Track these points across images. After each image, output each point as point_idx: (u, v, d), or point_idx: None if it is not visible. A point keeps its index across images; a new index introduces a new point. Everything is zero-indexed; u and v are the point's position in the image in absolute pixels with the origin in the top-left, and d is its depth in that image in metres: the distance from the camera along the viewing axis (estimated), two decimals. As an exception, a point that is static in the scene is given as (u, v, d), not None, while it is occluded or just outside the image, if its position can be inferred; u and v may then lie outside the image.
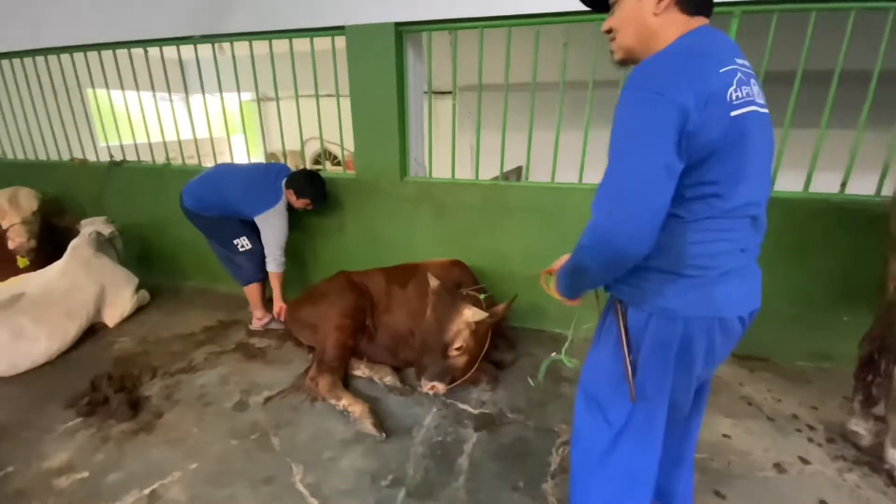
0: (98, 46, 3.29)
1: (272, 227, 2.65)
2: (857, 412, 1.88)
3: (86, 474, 1.81)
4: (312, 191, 2.69)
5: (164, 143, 3.50)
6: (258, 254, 2.79)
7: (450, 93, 3.59)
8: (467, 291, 2.41)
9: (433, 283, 2.29)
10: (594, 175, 2.73)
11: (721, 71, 0.90)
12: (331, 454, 1.91)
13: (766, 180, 1.03)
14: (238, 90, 3.05)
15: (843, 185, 2.31)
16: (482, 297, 2.39)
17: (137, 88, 3.29)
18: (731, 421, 2.09)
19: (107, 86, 3.48)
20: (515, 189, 2.79)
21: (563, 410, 2.18)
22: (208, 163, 3.30)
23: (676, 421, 1.23)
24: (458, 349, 2.16)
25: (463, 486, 1.76)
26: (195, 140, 3.52)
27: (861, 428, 1.87)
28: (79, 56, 3.36)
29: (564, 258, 1.22)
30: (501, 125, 2.75)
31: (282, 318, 2.80)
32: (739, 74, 0.92)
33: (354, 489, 1.74)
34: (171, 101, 3.38)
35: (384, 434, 1.98)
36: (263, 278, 2.87)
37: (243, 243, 2.77)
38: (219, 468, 1.84)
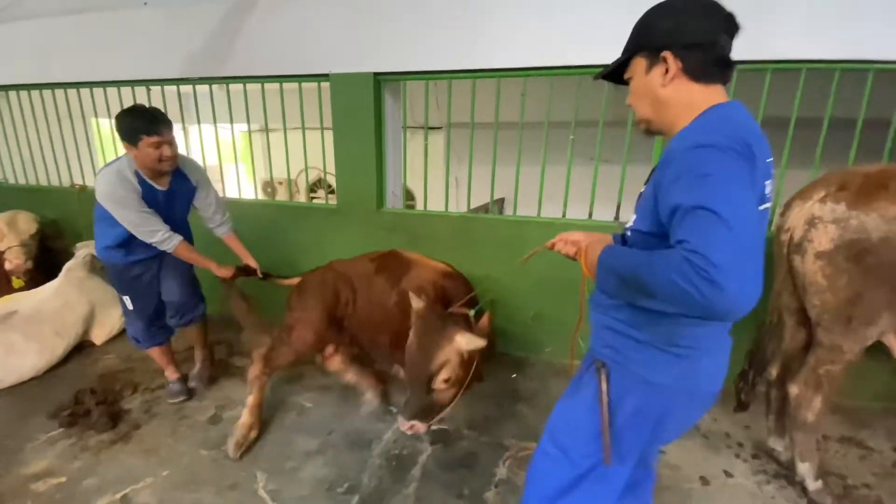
0: (104, 84, 3.59)
1: (115, 212, 2.07)
2: (773, 430, 2.07)
3: (63, 479, 1.95)
4: (138, 120, 2.03)
5: None
6: (146, 315, 2.43)
7: (441, 128, 3.92)
8: (456, 309, 2.05)
9: (416, 304, 1.92)
10: (553, 209, 3.01)
11: (767, 161, 0.91)
12: (293, 464, 2.06)
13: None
14: (231, 122, 3.33)
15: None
16: (472, 312, 2.02)
17: None
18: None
19: (109, 115, 3.75)
20: (481, 221, 3.04)
21: (515, 427, 2.34)
22: None
23: (639, 466, 1.24)
24: (445, 381, 1.79)
25: (413, 493, 1.91)
26: None
27: (778, 445, 2.06)
28: (84, 89, 3.65)
29: (583, 237, 1.17)
30: (488, 159, 2.99)
31: (228, 276, 2.45)
32: (772, 169, 0.93)
33: (312, 495, 1.88)
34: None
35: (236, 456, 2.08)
36: (162, 341, 2.56)
37: (125, 301, 2.39)
38: (188, 475, 1.98)
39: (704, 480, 1.99)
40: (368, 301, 2.39)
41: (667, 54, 0.96)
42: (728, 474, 2.03)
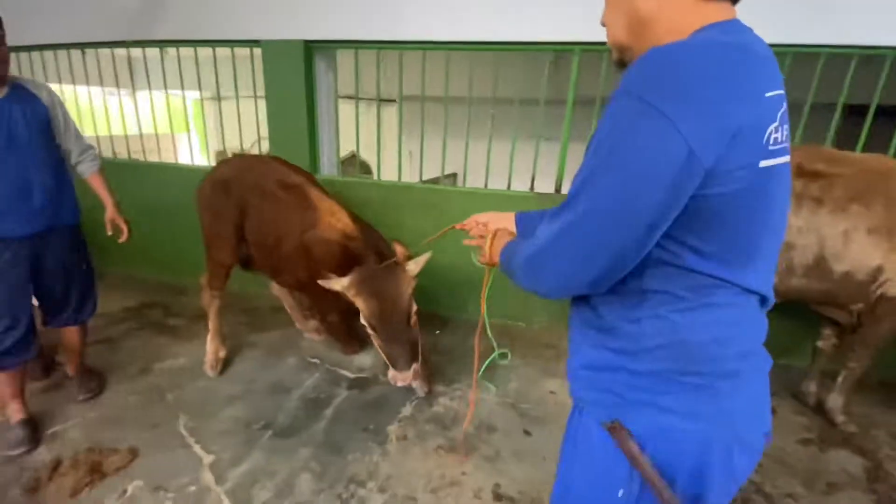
0: (41, 48, 3.52)
1: None
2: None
3: (-5, 420, 2.06)
4: None
5: (111, 138, 3.74)
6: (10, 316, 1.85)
7: (394, 101, 4.02)
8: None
9: (400, 250, 2.04)
10: (474, 179, 3.20)
11: (768, 95, 0.63)
12: (214, 407, 2.23)
13: (776, 255, 0.76)
14: (182, 89, 3.33)
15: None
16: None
17: (84, 83, 3.50)
18: (562, 381, 2.54)
19: (59, 80, 3.66)
20: (409, 189, 3.20)
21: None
22: (153, 158, 3.58)
23: None
24: (415, 313, 1.99)
25: (323, 428, 2.12)
26: (138, 136, 3.77)
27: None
28: (25, 54, 3.57)
29: (493, 218, 1.12)
30: (442, 133, 3.10)
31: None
32: (785, 105, 0.66)
33: (229, 431, 2.07)
34: (119, 96, 3.63)
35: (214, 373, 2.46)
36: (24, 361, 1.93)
37: None
38: (114, 416, 2.14)
39: (583, 414, 2.28)
40: (268, 230, 2.26)
41: None
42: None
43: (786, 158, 0.67)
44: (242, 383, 2.44)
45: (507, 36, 2.71)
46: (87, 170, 2.10)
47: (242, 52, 3.17)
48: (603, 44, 2.66)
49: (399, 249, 2.08)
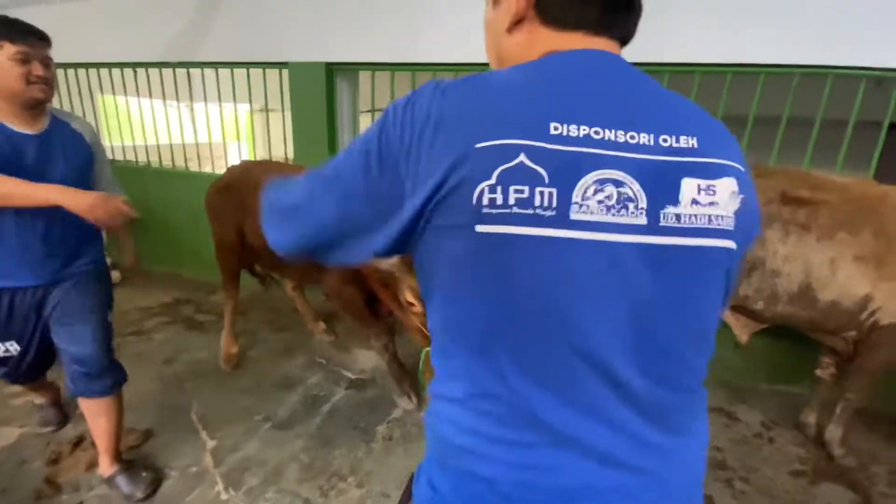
0: (97, 65, 3.98)
1: None
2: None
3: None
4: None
5: (158, 146, 4.14)
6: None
7: None
8: None
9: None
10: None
11: (553, 130, 0.48)
12: (224, 397, 2.46)
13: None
14: (234, 101, 3.68)
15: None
16: None
17: (143, 95, 3.90)
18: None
19: (113, 92, 4.09)
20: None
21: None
22: (206, 167, 3.93)
23: None
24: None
25: (318, 423, 2.29)
26: (194, 144, 4.13)
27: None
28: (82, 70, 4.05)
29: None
30: None
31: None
32: (595, 152, 0.48)
33: (234, 420, 2.28)
34: (178, 107, 4.01)
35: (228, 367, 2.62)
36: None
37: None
38: (138, 400, 2.39)
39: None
40: None
41: None
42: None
43: (578, 233, 0.47)
44: (253, 377, 2.66)
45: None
46: None
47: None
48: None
49: None
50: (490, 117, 0.49)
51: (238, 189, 2.41)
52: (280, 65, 3.40)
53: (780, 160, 2.54)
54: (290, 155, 3.86)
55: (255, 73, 3.53)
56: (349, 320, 2.48)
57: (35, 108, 1.49)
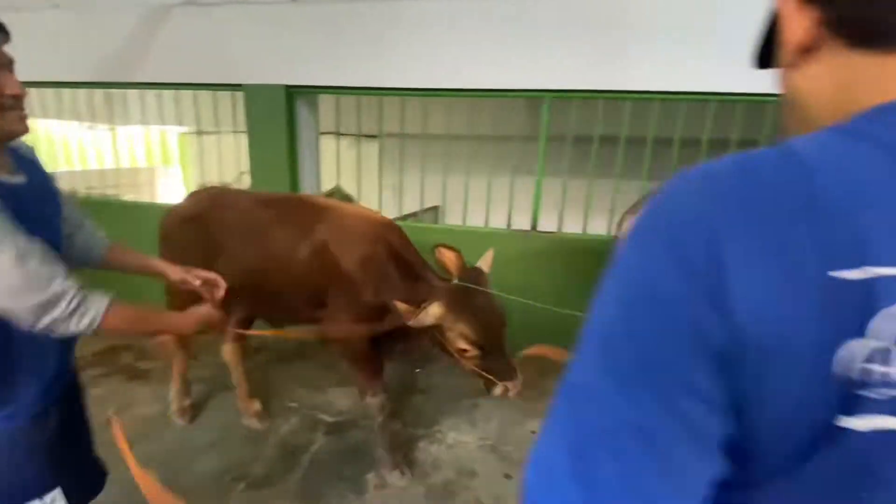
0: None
1: None
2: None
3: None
4: None
5: (82, 172, 3.71)
6: None
7: (376, 136, 4.18)
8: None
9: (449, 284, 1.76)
10: (453, 213, 3.28)
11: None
12: (186, 458, 2.15)
13: None
14: (163, 123, 3.36)
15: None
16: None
17: (67, 117, 3.49)
18: (542, 420, 2.54)
19: (34, 115, 3.64)
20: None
21: (409, 415, 2.55)
22: (130, 193, 3.55)
23: None
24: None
25: (299, 478, 2.06)
26: (117, 170, 3.75)
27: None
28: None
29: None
30: (425, 168, 3.18)
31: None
32: None
33: (201, 485, 1.99)
34: (105, 130, 3.62)
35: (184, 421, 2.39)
36: None
37: None
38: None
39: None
40: (262, 256, 1.96)
41: None
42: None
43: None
44: (216, 430, 2.37)
45: (483, 84, 2.84)
46: (103, 246, 1.32)
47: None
48: (569, 91, 2.86)
49: (449, 255, 1.84)
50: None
51: (207, 220, 2.06)
52: (233, 87, 3.19)
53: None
54: (245, 181, 3.62)
55: (186, 94, 3.29)
56: (350, 372, 2.15)
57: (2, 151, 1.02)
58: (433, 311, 1.62)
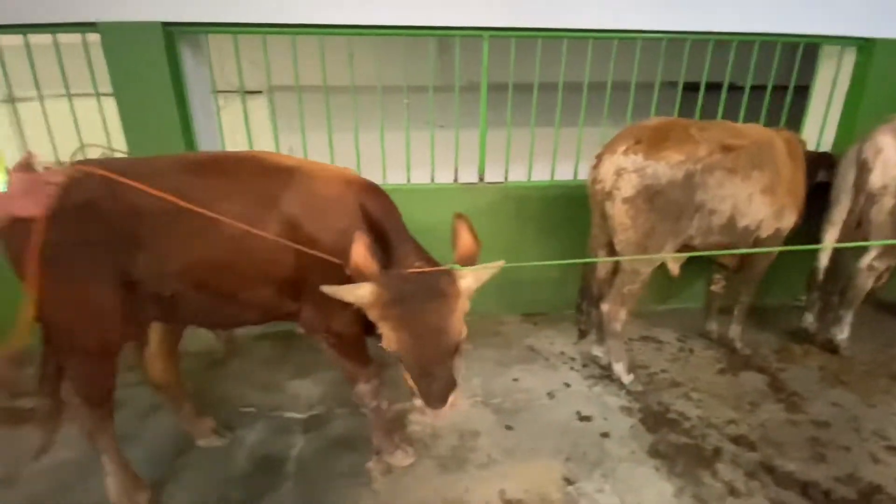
0: None
1: None
2: (596, 341, 2.54)
3: None
4: None
5: None
6: None
7: (261, 92, 3.51)
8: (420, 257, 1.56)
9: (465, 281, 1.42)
10: (397, 175, 3.00)
11: None
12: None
13: None
14: None
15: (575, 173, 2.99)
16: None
17: None
18: (520, 366, 2.59)
19: None
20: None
21: (387, 391, 2.37)
22: None
23: None
24: (463, 340, 1.49)
25: (291, 487, 1.81)
26: None
27: (599, 352, 2.54)
28: None
29: None
30: (323, 126, 2.77)
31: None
32: None
33: (169, 529, 1.63)
34: None
35: None
36: None
37: None
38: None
39: (551, 395, 2.35)
40: (207, 243, 1.48)
41: None
42: (567, 385, 2.43)
43: None
44: (164, 462, 1.94)
45: (410, 20, 2.53)
46: None
47: (43, 38, 2.41)
48: (504, 29, 2.70)
49: (467, 241, 1.45)
50: None
51: (109, 211, 1.40)
52: (83, 27, 2.39)
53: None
54: (92, 154, 2.81)
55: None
56: (337, 361, 1.78)
57: None
58: (360, 292, 1.34)
